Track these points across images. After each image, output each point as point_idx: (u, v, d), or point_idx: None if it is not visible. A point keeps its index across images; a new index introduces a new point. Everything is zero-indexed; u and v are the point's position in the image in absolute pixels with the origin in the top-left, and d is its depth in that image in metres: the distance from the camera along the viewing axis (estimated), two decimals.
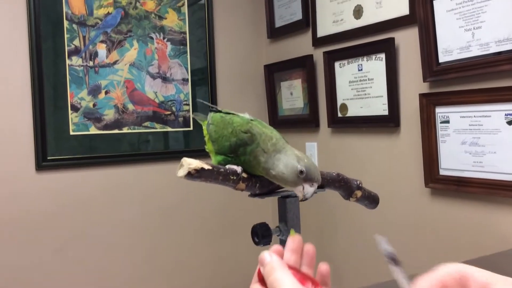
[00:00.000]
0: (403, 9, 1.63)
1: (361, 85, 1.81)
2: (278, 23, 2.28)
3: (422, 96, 1.55)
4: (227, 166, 0.85)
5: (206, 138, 0.98)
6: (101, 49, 2.03)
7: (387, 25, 1.69)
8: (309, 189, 0.79)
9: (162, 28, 2.15)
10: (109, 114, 2.05)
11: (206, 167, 0.81)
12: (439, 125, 1.52)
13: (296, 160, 0.79)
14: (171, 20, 2.18)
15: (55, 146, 1.94)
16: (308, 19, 2.07)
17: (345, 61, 1.88)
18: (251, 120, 0.90)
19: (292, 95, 2.20)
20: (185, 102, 2.21)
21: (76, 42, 1.98)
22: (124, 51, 2.08)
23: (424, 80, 1.54)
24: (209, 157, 0.96)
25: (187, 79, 2.22)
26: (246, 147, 0.85)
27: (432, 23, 1.50)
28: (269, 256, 0.50)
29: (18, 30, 1.88)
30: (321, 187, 0.90)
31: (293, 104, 2.20)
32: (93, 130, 2.02)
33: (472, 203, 1.47)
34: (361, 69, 1.81)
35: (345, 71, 1.88)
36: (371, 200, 1.04)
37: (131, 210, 2.10)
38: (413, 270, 1.14)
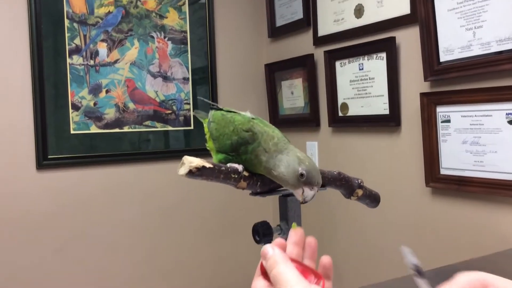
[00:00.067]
0: (404, 8, 1.63)
1: (362, 84, 1.81)
2: (279, 22, 2.28)
3: (423, 95, 1.55)
4: (228, 165, 0.85)
5: (207, 136, 0.98)
6: (102, 48, 2.03)
7: (388, 24, 1.69)
8: (309, 192, 0.78)
9: (163, 27, 2.15)
10: (110, 113, 2.05)
11: (207, 165, 0.81)
12: (440, 125, 1.52)
13: (298, 163, 0.78)
14: (172, 19, 2.18)
15: (56, 145, 1.94)
16: (309, 18, 2.07)
17: (346, 60, 1.88)
18: (253, 118, 0.90)
19: (293, 94, 2.20)
20: (185, 101, 2.21)
21: (77, 41, 1.98)
22: (125, 50, 2.08)
23: (425, 80, 1.54)
24: (210, 155, 0.96)
25: (188, 78, 2.22)
26: (247, 145, 0.85)
27: (433, 22, 1.50)
28: (272, 250, 0.50)
29: (18, 29, 1.88)
30: (322, 185, 0.89)
31: (294, 103, 2.20)
32: (93, 129, 2.02)
33: (473, 203, 1.47)
34: (362, 68, 1.81)
35: (346, 71, 1.88)
36: (372, 199, 1.04)
37: (132, 209, 2.10)
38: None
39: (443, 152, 1.52)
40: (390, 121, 1.71)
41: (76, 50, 1.98)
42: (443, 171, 1.53)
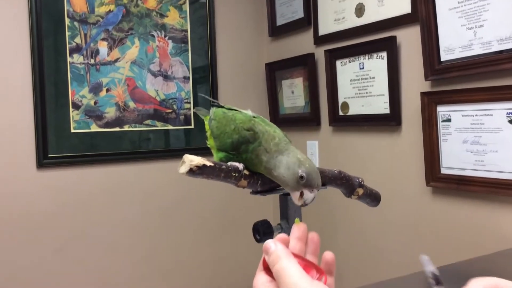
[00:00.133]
0: (405, 8, 1.62)
1: (362, 84, 1.81)
2: (280, 21, 2.28)
3: (424, 94, 1.55)
4: (229, 163, 0.85)
5: (208, 134, 0.97)
6: (102, 47, 2.03)
7: (389, 23, 1.69)
8: (309, 195, 0.78)
9: (164, 26, 2.15)
10: (110, 112, 2.05)
11: (208, 163, 0.81)
12: (440, 124, 1.52)
13: (298, 165, 0.78)
14: (173, 18, 2.17)
15: (56, 144, 1.94)
16: (310, 17, 2.07)
17: (347, 60, 1.87)
18: (254, 117, 0.89)
19: (293, 94, 2.20)
20: (186, 100, 2.21)
21: (77, 39, 1.98)
22: (125, 49, 2.08)
23: (426, 79, 1.54)
24: (211, 154, 0.96)
25: (188, 77, 2.22)
26: (248, 145, 0.85)
27: (434, 22, 1.50)
28: (274, 245, 0.50)
29: (19, 28, 1.88)
30: (323, 184, 0.89)
31: (294, 102, 2.20)
32: (94, 128, 2.02)
33: (473, 202, 1.47)
34: (363, 68, 1.80)
35: (346, 70, 1.88)
36: (372, 198, 1.04)
37: (132, 208, 2.10)
38: (414, 268, 1.14)
39: (444, 152, 1.52)
40: (390, 121, 1.70)
41: (77, 49, 1.98)
42: (443, 171, 1.53)
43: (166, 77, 2.16)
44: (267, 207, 2.27)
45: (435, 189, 1.58)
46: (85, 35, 2.00)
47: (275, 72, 2.30)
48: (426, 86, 1.57)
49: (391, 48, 1.67)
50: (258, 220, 1.01)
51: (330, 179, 0.95)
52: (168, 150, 2.18)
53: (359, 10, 1.81)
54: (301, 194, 0.77)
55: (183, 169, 0.79)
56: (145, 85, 2.12)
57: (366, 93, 1.80)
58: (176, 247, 2.19)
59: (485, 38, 1.37)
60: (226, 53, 2.31)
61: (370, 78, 1.78)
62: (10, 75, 1.87)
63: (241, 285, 2.25)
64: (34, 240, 1.90)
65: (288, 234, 0.56)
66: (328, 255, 0.53)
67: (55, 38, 1.94)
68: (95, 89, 2.02)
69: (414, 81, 1.62)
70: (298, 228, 0.55)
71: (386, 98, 1.71)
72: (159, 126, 2.16)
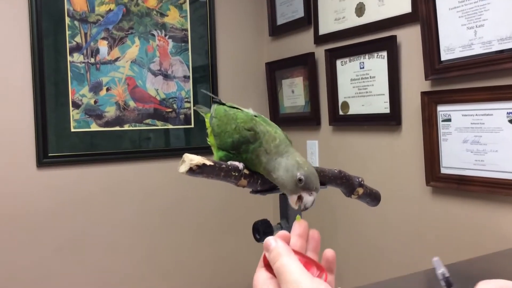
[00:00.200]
0: (405, 7, 1.62)
1: (362, 83, 1.81)
2: (280, 20, 2.27)
3: (424, 94, 1.55)
4: (229, 163, 0.85)
5: (208, 131, 0.97)
6: (103, 46, 2.03)
7: (389, 23, 1.69)
8: (308, 198, 0.78)
9: (164, 25, 2.15)
10: (110, 111, 2.05)
11: (208, 163, 0.81)
12: (440, 124, 1.52)
13: (297, 168, 0.78)
14: (173, 17, 2.17)
15: (56, 143, 1.94)
16: (310, 16, 2.07)
17: (347, 59, 1.87)
18: (255, 116, 0.89)
19: (294, 93, 2.20)
20: (186, 100, 2.21)
21: (78, 39, 1.98)
22: (126, 48, 2.08)
23: (426, 78, 1.54)
24: (211, 154, 0.96)
25: (189, 77, 2.22)
26: (248, 145, 0.84)
27: (435, 21, 1.50)
28: (275, 242, 0.50)
29: (19, 27, 1.88)
30: (322, 184, 0.89)
31: (295, 102, 2.20)
32: (94, 127, 2.02)
33: (473, 202, 1.47)
34: (363, 67, 1.80)
35: (346, 69, 1.88)
36: (372, 197, 1.04)
37: (132, 207, 2.10)
38: (414, 268, 1.13)
39: (444, 151, 1.52)
40: (390, 120, 1.70)
41: (77, 48, 1.98)
42: (443, 170, 1.53)
43: (166, 76, 2.16)
44: (267, 206, 2.27)
45: (435, 189, 1.58)
46: (85, 34, 2.00)
47: (275, 71, 2.30)
48: (426, 86, 1.57)
49: (391, 47, 1.67)
50: (258, 219, 1.01)
51: (330, 178, 0.95)
52: (168, 150, 2.18)
53: (360, 10, 1.81)
54: (300, 198, 0.77)
55: (183, 168, 0.79)
56: (145, 84, 2.12)
57: (366, 92, 1.80)
58: (176, 246, 2.19)
59: (485, 38, 1.37)
60: (226, 52, 2.31)
61: (370, 77, 1.78)
62: (10, 75, 1.87)
63: (241, 285, 2.25)
64: (34, 240, 1.90)
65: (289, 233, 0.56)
66: (329, 252, 0.53)
67: (55, 37, 1.94)
68: (95, 88, 2.02)
69: (414, 81, 1.62)
70: (299, 225, 0.55)
71: (386, 97, 1.71)
72: (159, 125, 2.16)
